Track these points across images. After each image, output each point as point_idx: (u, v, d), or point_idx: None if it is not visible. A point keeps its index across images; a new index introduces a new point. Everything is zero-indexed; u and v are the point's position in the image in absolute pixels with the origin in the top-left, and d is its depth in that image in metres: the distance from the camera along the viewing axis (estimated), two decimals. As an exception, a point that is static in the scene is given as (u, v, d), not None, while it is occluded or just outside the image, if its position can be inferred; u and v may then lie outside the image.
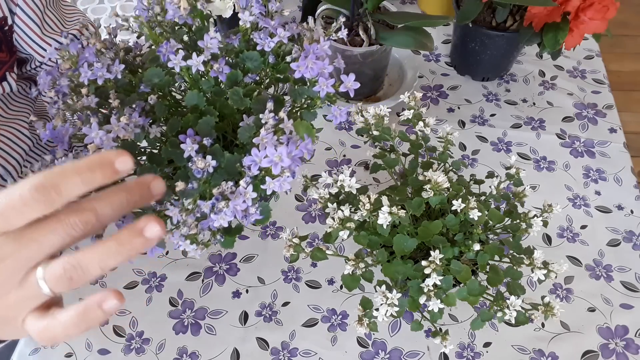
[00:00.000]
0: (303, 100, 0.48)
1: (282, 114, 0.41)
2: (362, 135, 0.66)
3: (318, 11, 0.83)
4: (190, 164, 0.41)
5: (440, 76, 0.92)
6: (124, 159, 0.33)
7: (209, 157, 0.41)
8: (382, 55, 0.83)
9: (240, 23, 0.47)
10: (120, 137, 0.41)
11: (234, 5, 0.80)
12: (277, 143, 0.39)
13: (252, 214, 0.41)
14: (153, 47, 0.47)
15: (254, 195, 0.40)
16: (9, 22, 0.64)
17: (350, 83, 0.45)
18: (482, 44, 0.85)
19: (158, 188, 0.36)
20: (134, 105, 0.44)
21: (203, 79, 0.46)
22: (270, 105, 0.42)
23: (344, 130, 0.85)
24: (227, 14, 0.79)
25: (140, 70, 0.48)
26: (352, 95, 0.44)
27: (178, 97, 0.51)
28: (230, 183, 0.40)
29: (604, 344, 0.64)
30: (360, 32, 0.80)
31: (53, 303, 0.37)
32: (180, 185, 0.40)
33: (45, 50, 0.69)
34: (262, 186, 0.41)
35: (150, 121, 0.45)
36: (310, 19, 0.48)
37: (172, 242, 0.42)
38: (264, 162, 0.39)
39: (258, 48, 0.46)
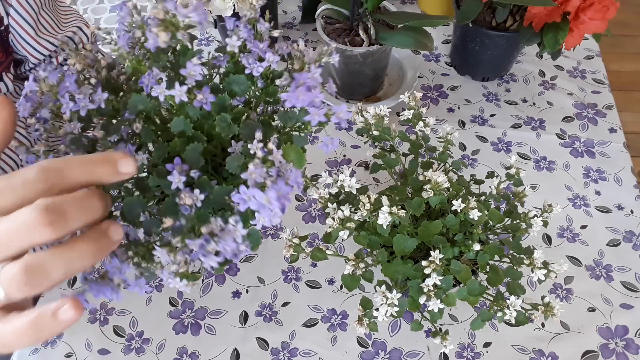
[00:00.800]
0: (294, 123, 0.47)
1: (270, 146, 0.40)
2: (362, 135, 0.66)
3: (318, 11, 0.83)
4: (178, 200, 0.40)
5: (440, 76, 0.93)
6: (127, 161, 0.33)
7: (196, 191, 0.40)
8: (382, 55, 0.83)
9: (228, 48, 0.46)
10: None
11: (234, 5, 0.80)
12: (267, 176, 0.38)
13: (241, 252, 0.40)
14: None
15: (244, 232, 0.39)
16: (5, 22, 0.64)
17: (343, 113, 0.44)
18: (482, 44, 0.85)
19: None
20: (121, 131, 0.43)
21: (188, 105, 0.45)
22: (259, 135, 0.41)
23: (344, 130, 0.85)
24: (227, 13, 0.79)
25: (124, 87, 0.46)
26: (344, 125, 0.43)
27: (166, 115, 0.50)
28: (219, 221, 0.39)
29: (604, 344, 0.64)
30: (360, 32, 0.80)
31: (16, 307, 0.33)
32: (167, 222, 0.39)
33: (39, 52, 0.69)
34: (251, 222, 0.40)
35: (136, 147, 0.44)
36: (300, 41, 0.48)
37: (163, 278, 0.40)
38: (253, 204, 0.38)
39: (247, 72, 0.45)
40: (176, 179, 0.40)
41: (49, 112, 0.43)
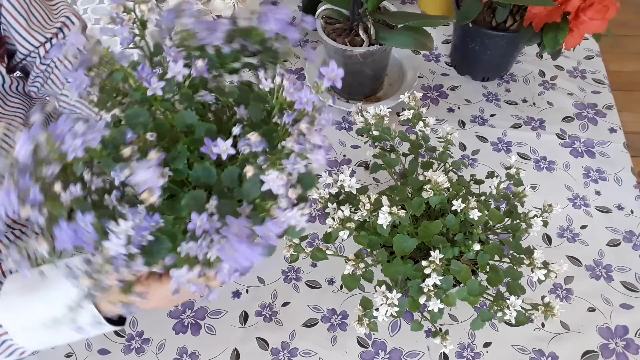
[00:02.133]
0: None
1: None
2: (362, 135, 0.66)
3: (318, 11, 0.83)
4: (245, 147, 0.42)
5: (440, 76, 0.92)
6: None
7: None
8: (382, 55, 0.83)
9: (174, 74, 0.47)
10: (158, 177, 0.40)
11: (234, 5, 0.80)
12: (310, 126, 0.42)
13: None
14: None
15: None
16: None
17: (334, 73, 0.44)
18: (482, 44, 0.84)
19: None
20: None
21: (184, 95, 0.46)
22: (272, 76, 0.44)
23: (344, 130, 0.85)
24: (227, 14, 0.79)
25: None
26: (339, 86, 0.44)
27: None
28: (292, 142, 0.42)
29: (604, 344, 0.64)
30: (360, 32, 0.80)
31: None
32: (249, 171, 0.41)
33: (29, 42, 0.68)
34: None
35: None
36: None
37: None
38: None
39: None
40: (223, 147, 0.41)
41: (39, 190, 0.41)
